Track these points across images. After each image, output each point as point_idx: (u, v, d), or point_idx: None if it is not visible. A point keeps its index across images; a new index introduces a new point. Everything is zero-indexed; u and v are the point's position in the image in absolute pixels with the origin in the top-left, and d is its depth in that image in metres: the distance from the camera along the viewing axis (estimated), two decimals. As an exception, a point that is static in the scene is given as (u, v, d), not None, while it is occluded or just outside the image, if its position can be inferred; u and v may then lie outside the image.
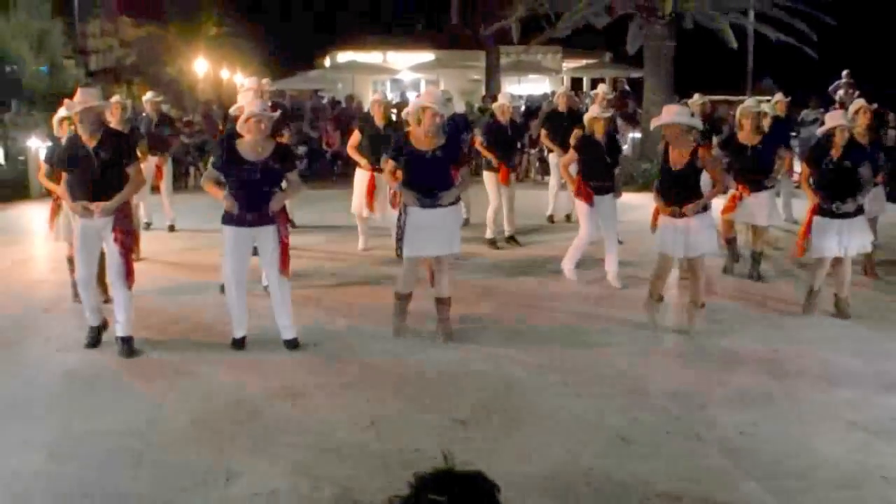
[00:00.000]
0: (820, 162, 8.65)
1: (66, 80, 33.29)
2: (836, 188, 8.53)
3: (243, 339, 7.78)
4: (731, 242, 10.65)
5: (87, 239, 7.60)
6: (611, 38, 23.92)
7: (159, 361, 7.47)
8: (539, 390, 6.78)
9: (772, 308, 9.16)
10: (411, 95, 32.08)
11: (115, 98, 11.48)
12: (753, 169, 10.09)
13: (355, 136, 11.42)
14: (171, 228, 13.66)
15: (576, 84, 41.40)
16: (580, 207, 10.07)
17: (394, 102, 18.61)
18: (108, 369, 7.28)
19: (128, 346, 7.60)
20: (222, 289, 9.01)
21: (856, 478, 5.34)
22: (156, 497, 5.11)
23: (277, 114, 8.11)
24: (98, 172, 7.44)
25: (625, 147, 12.24)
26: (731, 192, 10.19)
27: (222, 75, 42.99)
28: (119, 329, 7.63)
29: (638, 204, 13.70)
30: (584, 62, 39.81)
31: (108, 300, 8.46)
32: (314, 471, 5.38)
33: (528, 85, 37.81)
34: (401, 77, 39.26)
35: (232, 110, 9.73)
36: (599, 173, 9.87)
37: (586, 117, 10.14)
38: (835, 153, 8.55)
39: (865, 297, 9.39)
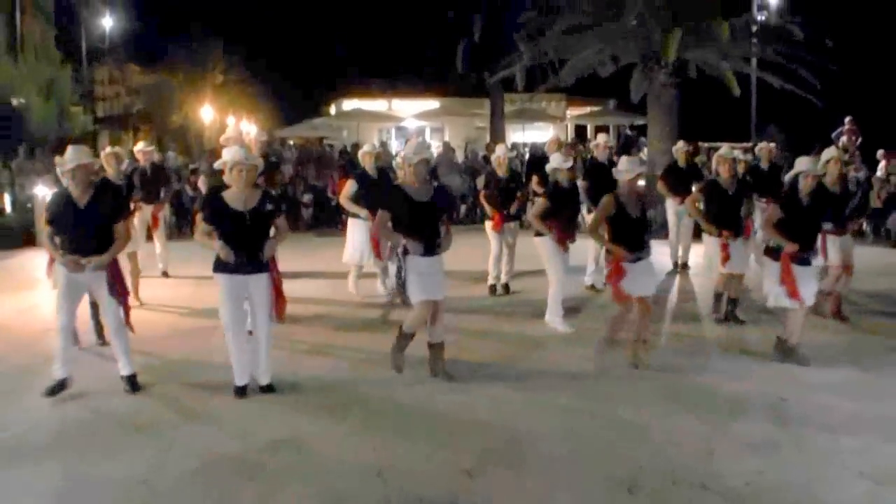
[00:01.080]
0: (791, 207, 8.75)
1: (74, 126, 33.57)
2: (807, 235, 8.70)
3: (245, 387, 7.81)
4: (721, 296, 10.70)
5: (72, 290, 7.84)
6: (615, 85, 24.00)
7: (163, 408, 7.48)
8: (543, 438, 6.76)
9: (773, 354, 9.14)
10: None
11: (108, 149, 11.69)
12: (732, 215, 10.31)
13: (349, 187, 11.47)
14: (165, 274, 13.88)
15: (580, 131, 41.60)
16: (551, 254, 10.17)
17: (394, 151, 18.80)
18: (113, 416, 7.28)
19: (133, 383, 7.92)
20: None
21: (863, 528, 5.32)
22: (161, 547, 5.10)
23: (261, 162, 8.21)
24: (89, 230, 7.68)
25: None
26: (720, 241, 10.25)
27: (228, 122, 43.20)
28: (123, 369, 7.94)
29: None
30: (588, 109, 40.00)
31: (104, 343, 8.94)
32: (319, 520, 5.36)
33: (533, 132, 37.96)
34: (406, 124, 39.44)
35: (217, 165, 9.70)
36: (568, 220, 10.24)
37: (548, 167, 10.41)
38: (804, 198, 8.73)
39: (866, 342, 9.38)
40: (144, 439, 6.77)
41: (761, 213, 11.42)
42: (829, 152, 10.28)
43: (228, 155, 7.70)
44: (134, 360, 8.11)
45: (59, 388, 7.77)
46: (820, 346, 9.25)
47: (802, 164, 8.83)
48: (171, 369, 8.66)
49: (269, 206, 7.72)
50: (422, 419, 7.21)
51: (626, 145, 29.42)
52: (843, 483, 5.97)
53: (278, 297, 7.85)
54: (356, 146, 26.49)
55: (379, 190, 10.35)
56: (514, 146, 13.57)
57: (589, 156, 19.99)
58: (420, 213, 7.98)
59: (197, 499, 5.74)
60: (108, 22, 42.06)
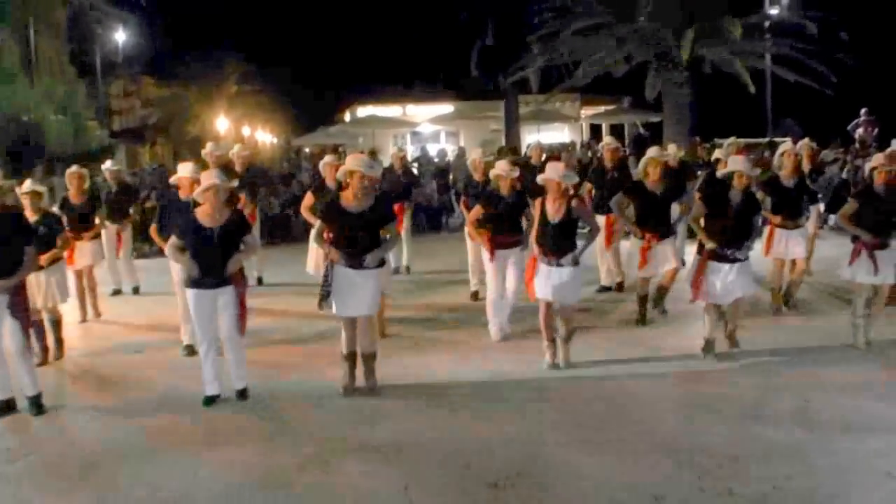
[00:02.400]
0: (717, 205, 8.87)
1: (91, 141, 33.72)
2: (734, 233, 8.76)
3: (215, 396, 8.12)
4: (645, 298, 10.63)
5: None
6: (629, 83, 24.03)
7: (189, 429, 7.49)
8: (567, 449, 6.75)
9: (798, 352, 9.10)
10: (431, 148, 32.31)
11: (72, 168, 11.95)
12: (657, 216, 10.33)
13: (308, 198, 11.03)
14: (136, 291, 13.92)
15: (595, 130, 41.52)
16: (486, 263, 10.07)
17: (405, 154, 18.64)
18: (139, 438, 7.30)
19: (38, 405, 7.98)
20: (188, 349, 9.73)
21: (892, 532, 5.30)
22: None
23: (234, 183, 8.60)
24: None
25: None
26: (640, 244, 10.26)
27: (244, 132, 43.34)
28: (27, 389, 7.99)
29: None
30: (602, 108, 39.90)
31: (43, 362, 9.36)
32: (348, 538, 5.38)
33: (548, 133, 37.92)
34: (420, 129, 39.48)
35: (172, 180, 9.83)
36: (501, 229, 9.87)
37: (492, 174, 10.09)
38: (734, 197, 8.79)
39: (889, 341, 9.32)
40: (171, 462, 6.77)
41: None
42: (784, 146, 10.86)
43: (204, 178, 8.06)
44: (136, 383, 8.51)
45: (4, 408, 7.93)
46: (842, 346, 9.22)
47: (737, 163, 8.93)
48: (189, 389, 8.67)
49: (236, 227, 8.02)
50: (446, 434, 7.20)
51: (639, 145, 29.34)
52: (870, 485, 5.94)
53: (242, 310, 8.05)
54: (372, 153, 26.58)
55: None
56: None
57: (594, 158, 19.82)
58: (350, 224, 8.00)
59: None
60: (121, 36, 42.24)
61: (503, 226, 9.84)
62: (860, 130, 25.07)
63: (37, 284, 9.36)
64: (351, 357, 8.29)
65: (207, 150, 12.35)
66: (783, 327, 10.16)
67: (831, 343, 9.34)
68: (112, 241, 13.43)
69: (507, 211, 9.82)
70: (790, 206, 10.49)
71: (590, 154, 23.98)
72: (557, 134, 38.53)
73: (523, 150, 30.30)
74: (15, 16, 30.34)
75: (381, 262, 8.24)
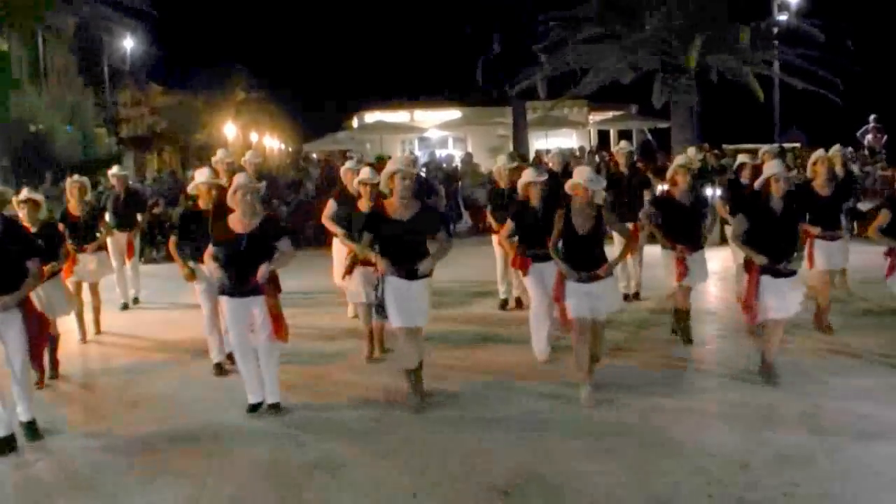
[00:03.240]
0: (758, 216, 8.29)
1: (99, 149, 33.83)
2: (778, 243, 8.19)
3: (259, 404, 7.94)
4: (686, 314, 10.08)
5: None
6: (637, 90, 24.02)
7: (194, 442, 7.44)
8: (577, 456, 6.75)
9: (807, 360, 9.09)
10: (440, 153, 32.30)
11: (73, 178, 11.58)
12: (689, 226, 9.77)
13: (329, 206, 10.59)
14: (136, 301, 13.60)
15: (603, 137, 41.52)
16: (524, 277, 9.55)
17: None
18: (145, 451, 7.27)
19: (33, 430, 7.51)
20: (217, 368, 9.33)
21: (902, 539, 5.29)
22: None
23: (263, 185, 8.29)
24: None
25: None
26: (674, 254, 9.68)
27: (251, 139, 43.41)
28: (22, 415, 7.50)
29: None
30: (610, 115, 39.91)
31: (40, 384, 8.85)
32: (358, 545, 5.39)
33: (556, 139, 37.93)
34: (428, 135, 39.52)
35: (190, 189, 9.59)
36: (537, 240, 8.95)
37: (520, 183, 9.53)
38: (775, 204, 8.21)
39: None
40: (179, 472, 6.75)
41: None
42: (816, 154, 10.37)
43: (237, 179, 7.82)
44: (135, 405, 8.42)
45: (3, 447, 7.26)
46: (851, 351, 9.21)
47: (772, 167, 8.36)
48: (190, 400, 8.69)
49: (269, 232, 7.75)
50: (455, 439, 7.21)
51: (646, 151, 29.33)
52: (881, 491, 5.93)
53: (276, 320, 7.77)
54: (380, 159, 26.63)
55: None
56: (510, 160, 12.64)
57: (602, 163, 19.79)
58: (396, 234, 7.77)
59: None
60: (129, 44, 42.36)
61: (539, 237, 8.88)
62: (869, 137, 25.06)
63: (35, 299, 8.54)
64: (419, 369, 8.06)
65: (218, 157, 12.10)
66: (791, 333, 10.10)
67: (841, 350, 9.34)
68: (121, 250, 13.13)
69: (541, 220, 8.94)
70: (827, 216, 9.91)
71: (597, 160, 23.94)
72: (565, 140, 38.51)
73: (531, 155, 30.34)
74: (23, 24, 30.46)
75: (430, 272, 7.99)
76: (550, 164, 13.07)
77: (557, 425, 7.45)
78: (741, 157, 11.94)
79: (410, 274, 7.77)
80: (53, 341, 9.31)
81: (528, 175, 9.51)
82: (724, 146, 25.38)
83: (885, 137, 24.71)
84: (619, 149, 13.04)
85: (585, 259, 8.05)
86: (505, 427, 7.45)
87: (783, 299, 8.12)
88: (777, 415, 7.54)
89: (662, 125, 31.03)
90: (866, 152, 23.95)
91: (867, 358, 9.04)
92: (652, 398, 8.07)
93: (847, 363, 8.88)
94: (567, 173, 11.91)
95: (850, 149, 12.55)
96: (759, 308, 8.20)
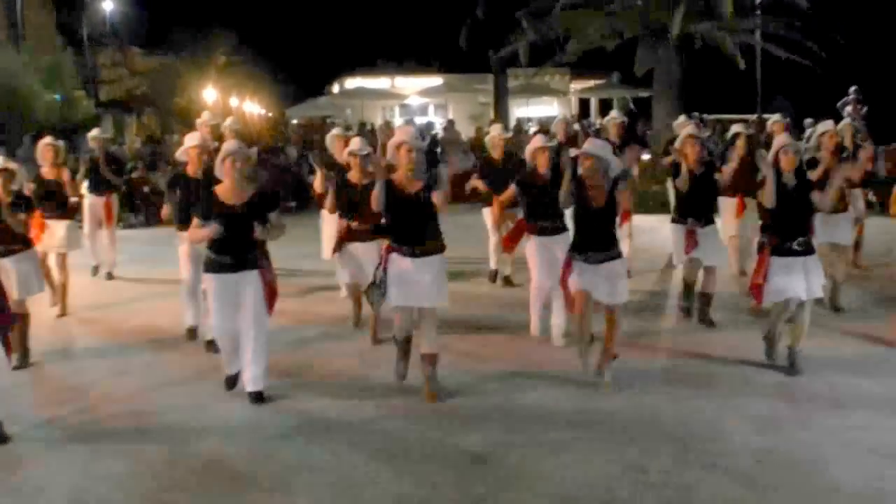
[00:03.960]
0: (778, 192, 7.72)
1: (78, 111, 33.50)
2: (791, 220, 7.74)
3: (236, 375, 7.52)
4: (691, 287, 9.66)
5: None
6: (619, 58, 23.95)
7: (173, 404, 7.42)
8: (553, 421, 6.78)
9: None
10: (419, 121, 32.19)
11: (46, 140, 10.93)
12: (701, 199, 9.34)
13: (320, 176, 10.11)
14: (109, 276, 12.96)
15: (584, 105, 41.48)
16: (528, 252, 8.95)
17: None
18: (121, 414, 7.27)
19: None
20: (190, 333, 9.14)
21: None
22: (175, 538, 5.13)
23: (254, 151, 7.89)
24: None
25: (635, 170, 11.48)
26: (684, 228, 9.30)
27: (231, 103, 43.12)
28: None
29: (649, 227, 13.72)
30: (592, 83, 39.81)
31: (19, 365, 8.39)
32: (332, 509, 5.39)
33: (537, 107, 37.89)
34: (409, 102, 39.41)
35: (179, 153, 9.29)
36: (544, 213, 8.66)
37: (528, 149, 8.98)
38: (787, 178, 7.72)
39: (874, 317, 9.34)
40: (156, 433, 6.76)
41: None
42: (823, 126, 10.16)
43: (226, 145, 7.39)
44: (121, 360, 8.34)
45: None
46: (825, 322, 9.29)
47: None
48: (170, 369, 8.62)
49: (262, 203, 7.25)
50: (431, 406, 7.22)
51: (632, 120, 29.29)
52: (851, 460, 5.97)
53: (270, 295, 7.32)
54: (362, 125, 26.52)
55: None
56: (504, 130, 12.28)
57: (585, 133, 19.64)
58: (409, 210, 7.18)
59: (211, 489, 5.78)
60: (108, 5, 41.86)
61: (547, 210, 8.51)
62: (849, 108, 25.10)
63: (12, 277, 8.28)
64: (407, 342, 7.55)
65: (203, 119, 11.85)
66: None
67: (818, 321, 9.36)
68: (98, 215, 12.73)
69: (549, 191, 8.27)
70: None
71: (575, 128, 23.84)
72: (547, 108, 38.48)
73: (510, 123, 30.28)
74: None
75: (442, 248, 7.41)
76: (558, 134, 12.48)
77: (534, 391, 7.49)
78: (735, 127, 11.63)
79: (418, 251, 7.23)
80: (24, 322, 8.55)
81: (538, 141, 9.04)
82: (705, 116, 25.36)
83: (865, 109, 24.74)
84: (611, 119, 12.74)
85: (598, 236, 7.50)
86: (482, 399, 7.46)
87: (799, 281, 7.61)
88: (751, 383, 7.60)
89: (644, 94, 30.99)
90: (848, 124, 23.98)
91: (841, 328, 9.09)
92: (627, 364, 8.00)
93: (823, 334, 8.90)
94: (572, 142, 11.86)
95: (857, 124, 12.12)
96: (768, 289, 7.73)
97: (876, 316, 9.59)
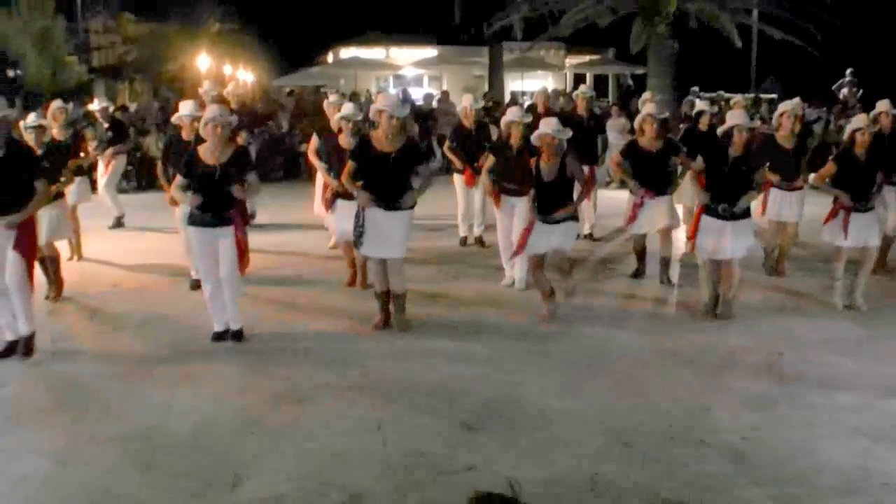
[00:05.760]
0: (715, 161, 8.63)
1: (70, 77, 33.35)
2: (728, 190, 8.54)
3: (223, 332, 8.10)
4: (641, 254, 10.59)
5: None
6: (614, 34, 23.90)
7: (162, 367, 7.48)
8: (540, 393, 6.80)
9: (773, 309, 9.17)
10: (414, 92, 32.09)
11: (57, 103, 11.70)
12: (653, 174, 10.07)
13: (313, 141, 10.90)
14: (120, 223, 14.08)
15: (578, 80, 41.37)
16: (496, 210, 9.96)
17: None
18: (111, 375, 7.30)
19: (27, 347, 7.66)
20: (192, 284, 9.58)
21: (858, 484, 5.36)
22: (164, 502, 5.15)
23: (234, 118, 8.42)
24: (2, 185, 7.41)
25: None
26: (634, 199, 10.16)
27: (225, 71, 42.87)
28: (22, 328, 7.65)
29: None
30: (587, 58, 39.76)
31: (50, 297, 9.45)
32: (321, 476, 5.42)
33: (532, 81, 37.77)
34: (404, 73, 39.25)
35: (174, 119, 9.85)
36: (511, 177, 9.53)
37: (503, 121, 9.83)
38: (733, 152, 8.51)
39: (867, 298, 9.36)
40: (145, 397, 6.79)
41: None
42: (783, 106, 10.61)
43: (208, 110, 7.93)
44: (110, 317, 8.62)
45: (7, 350, 7.70)
46: (820, 305, 9.33)
47: (735, 117, 8.71)
48: (166, 325, 8.75)
49: (238, 165, 7.82)
50: (419, 374, 7.25)
51: (626, 97, 29.25)
52: (838, 439, 6.00)
53: (241, 252, 7.92)
54: (354, 95, 26.39)
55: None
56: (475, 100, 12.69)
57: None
58: (383, 167, 8.00)
59: (199, 454, 5.77)
60: (102, -31, 41.59)
61: (513, 175, 9.47)
62: (844, 91, 25.11)
63: (44, 221, 9.20)
64: (384, 295, 8.40)
65: (205, 89, 12.28)
66: (761, 284, 10.19)
67: (809, 302, 9.43)
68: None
69: (516, 160, 9.39)
70: (788, 167, 10.12)
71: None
72: (541, 82, 38.31)
73: (506, 97, 30.20)
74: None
75: (412, 205, 8.24)
76: (536, 104, 12.97)
77: (525, 364, 7.50)
78: (699, 105, 12.53)
79: (391, 206, 8.03)
80: (55, 262, 9.64)
81: (511, 114, 9.75)
82: (692, 90, 25.33)
83: (861, 92, 24.76)
84: (580, 93, 13.15)
85: (551, 204, 8.53)
86: (471, 361, 7.53)
87: (719, 242, 8.54)
88: (740, 361, 7.62)
89: (639, 71, 30.96)
90: (841, 106, 23.99)
91: (834, 311, 9.10)
92: (617, 340, 8.16)
93: (813, 315, 8.96)
94: (596, 117, 12.88)
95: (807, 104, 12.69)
96: (697, 246, 8.71)
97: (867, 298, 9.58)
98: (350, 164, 8.21)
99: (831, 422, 6.30)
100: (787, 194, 10.25)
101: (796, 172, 10.18)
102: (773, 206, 10.31)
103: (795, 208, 10.34)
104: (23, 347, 7.64)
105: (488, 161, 9.88)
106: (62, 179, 9.76)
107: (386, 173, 8.01)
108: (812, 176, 9.41)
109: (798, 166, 10.21)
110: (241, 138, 10.91)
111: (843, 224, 8.86)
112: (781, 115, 10.41)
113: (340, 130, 9.71)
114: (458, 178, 12.13)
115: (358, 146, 8.25)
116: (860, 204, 8.86)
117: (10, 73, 29.83)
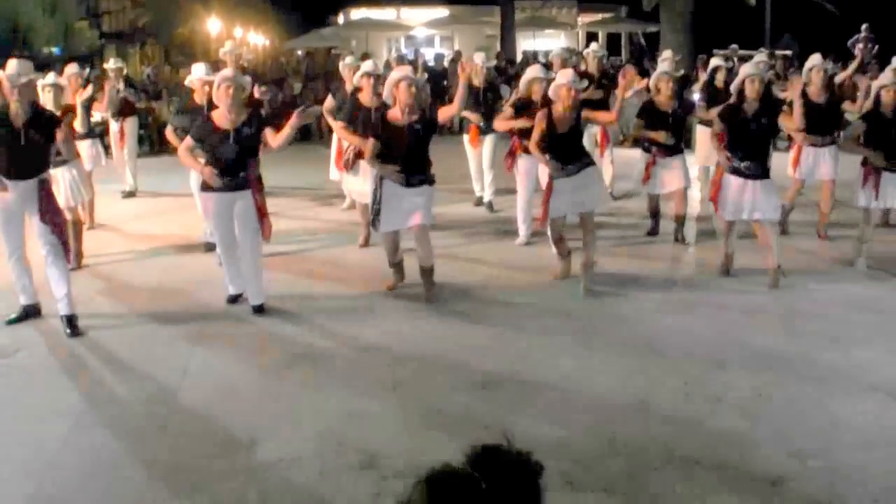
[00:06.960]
0: (733, 119, 8.33)
1: (80, 42, 33.27)
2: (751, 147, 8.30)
3: (238, 295, 8.08)
4: (655, 213, 10.60)
5: (7, 214, 7.41)
6: (627, -9, 23.76)
7: (178, 330, 7.50)
8: (556, 353, 6.81)
9: (790, 268, 9.12)
10: (426, 52, 31.92)
11: (73, 68, 11.56)
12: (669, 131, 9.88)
13: (329, 101, 10.72)
14: (131, 194, 13.71)
15: (591, 39, 41.08)
16: (519, 166, 10.03)
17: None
18: (127, 339, 7.34)
19: (71, 325, 7.41)
20: (207, 247, 9.62)
21: (873, 440, 5.36)
22: (182, 464, 5.18)
23: (249, 80, 8.28)
24: (22, 150, 7.27)
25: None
26: (647, 158, 10.12)
27: (236, 34, 42.73)
28: (62, 308, 7.45)
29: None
30: (600, 16, 39.44)
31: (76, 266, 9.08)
32: (338, 436, 5.44)
33: (544, 40, 37.50)
34: (415, 34, 39.04)
35: (186, 82, 9.85)
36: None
37: (524, 79, 9.74)
38: (749, 105, 8.24)
39: (883, 256, 9.31)
40: (163, 360, 6.82)
41: None
42: (811, 61, 10.31)
43: (221, 72, 7.81)
44: (124, 281, 8.73)
45: (23, 315, 7.70)
46: (833, 259, 9.31)
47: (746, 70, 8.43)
48: (177, 289, 8.75)
49: (254, 127, 7.61)
50: (435, 336, 7.26)
51: (639, 56, 29.04)
52: (854, 396, 5.99)
53: (262, 216, 7.73)
54: (366, 56, 26.24)
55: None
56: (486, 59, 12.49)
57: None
58: (402, 139, 7.78)
59: (217, 415, 5.81)
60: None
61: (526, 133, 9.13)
62: (860, 46, 24.84)
63: (66, 183, 9.32)
64: (397, 265, 8.42)
65: (227, 49, 12.12)
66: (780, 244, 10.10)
67: (825, 260, 9.38)
68: (115, 139, 13.59)
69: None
70: (820, 122, 9.80)
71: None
72: (554, 41, 38.09)
73: (518, 56, 30.00)
74: None
75: (432, 180, 8.05)
76: (552, 65, 12.84)
77: (540, 323, 7.52)
78: (714, 61, 12.25)
79: (411, 181, 7.85)
80: (77, 229, 9.51)
81: (533, 70, 9.77)
82: (715, 51, 25.12)
83: (876, 48, 24.50)
84: (592, 51, 13.00)
85: (568, 154, 8.30)
86: (486, 322, 7.54)
87: (741, 201, 8.29)
88: (756, 318, 7.61)
89: (652, 29, 30.69)
90: (857, 63, 23.73)
91: (850, 269, 9.05)
92: (633, 298, 8.15)
93: (830, 273, 8.93)
94: (608, 75, 12.63)
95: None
96: (721, 206, 8.45)
97: (884, 257, 9.51)
98: (371, 142, 7.93)
99: (846, 378, 6.29)
100: (820, 151, 10.07)
101: (829, 128, 10.03)
102: (805, 163, 10.16)
103: (830, 165, 10.12)
104: (70, 329, 7.36)
105: (536, 132, 8.85)
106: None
107: (406, 147, 7.76)
108: (842, 137, 9.28)
109: (831, 122, 10.06)
110: (258, 92, 10.71)
111: (874, 185, 8.75)
112: (810, 69, 10.10)
113: (360, 89, 9.55)
114: (466, 139, 12.07)
115: (380, 121, 7.99)
116: (892, 163, 8.69)
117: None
